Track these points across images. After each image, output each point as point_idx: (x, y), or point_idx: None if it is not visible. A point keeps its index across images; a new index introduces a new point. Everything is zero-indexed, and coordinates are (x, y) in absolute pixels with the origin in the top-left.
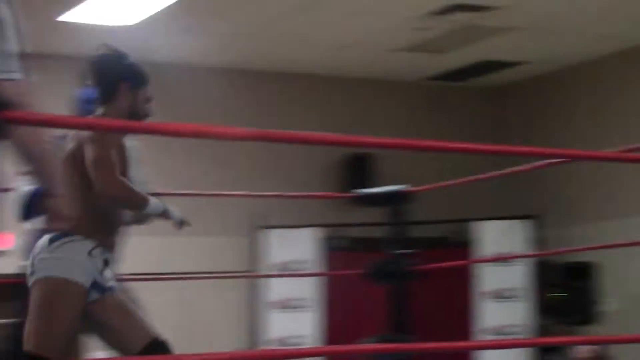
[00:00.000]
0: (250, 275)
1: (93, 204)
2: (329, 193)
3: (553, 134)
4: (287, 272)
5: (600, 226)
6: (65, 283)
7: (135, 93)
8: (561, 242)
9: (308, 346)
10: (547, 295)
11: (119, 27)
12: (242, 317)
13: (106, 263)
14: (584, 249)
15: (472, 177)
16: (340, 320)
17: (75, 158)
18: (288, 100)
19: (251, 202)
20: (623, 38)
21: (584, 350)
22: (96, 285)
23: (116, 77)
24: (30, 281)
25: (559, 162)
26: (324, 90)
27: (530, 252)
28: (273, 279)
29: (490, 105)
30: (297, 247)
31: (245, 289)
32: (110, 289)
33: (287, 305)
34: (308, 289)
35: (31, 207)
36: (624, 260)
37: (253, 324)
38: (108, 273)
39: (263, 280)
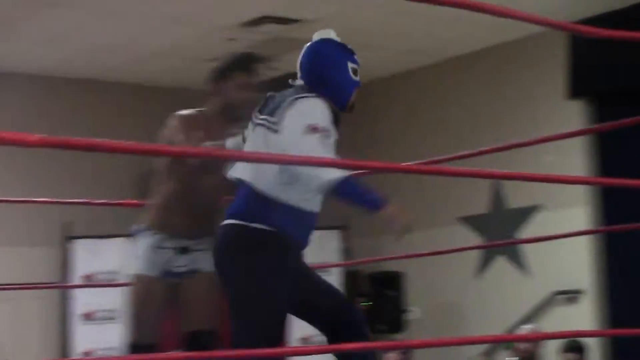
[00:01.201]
0: (53, 286)
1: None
2: (137, 201)
3: (360, 144)
4: (94, 282)
5: (407, 236)
6: (139, 278)
7: None
8: (370, 251)
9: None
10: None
11: None
12: (53, 329)
13: (182, 251)
14: (389, 259)
15: None
16: None
17: None
18: (98, 107)
19: (61, 212)
20: (428, 54)
21: (390, 357)
22: (169, 273)
23: None
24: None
25: (363, 173)
26: (136, 99)
27: (339, 262)
28: (81, 290)
29: None
30: (106, 257)
31: (56, 300)
32: (188, 273)
33: (95, 317)
34: (117, 301)
35: None
36: (429, 270)
37: (64, 336)
38: (182, 260)
39: (73, 291)
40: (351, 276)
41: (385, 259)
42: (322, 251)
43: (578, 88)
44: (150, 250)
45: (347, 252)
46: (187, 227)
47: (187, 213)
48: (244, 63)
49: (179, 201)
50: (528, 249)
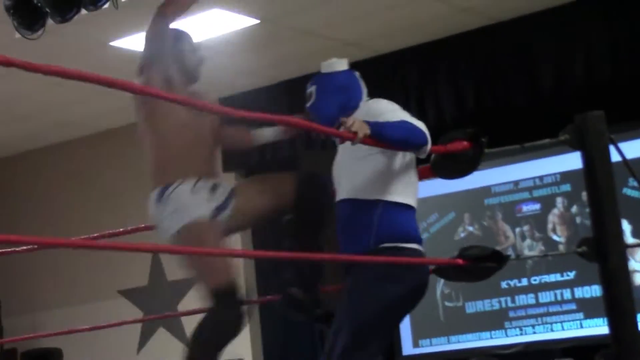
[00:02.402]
0: None
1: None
2: None
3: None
4: None
5: (67, 312)
6: (196, 224)
7: None
8: (25, 329)
9: None
10: None
11: None
12: None
13: (213, 188)
14: (43, 335)
15: None
16: None
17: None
18: None
19: None
20: (79, 125)
21: None
22: (219, 208)
23: None
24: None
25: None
26: None
27: None
28: None
29: None
30: None
31: None
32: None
33: None
34: None
35: None
36: (89, 346)
37: None
38: (219, 193)
39: None
40: (7, 355)
41: (41, 336)
42: None
43: (229, 162)
44: (192, 196)
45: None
46: (204, 169)
47: (197, 157)
48: None
49: (186, 149)
50: (187, 320)
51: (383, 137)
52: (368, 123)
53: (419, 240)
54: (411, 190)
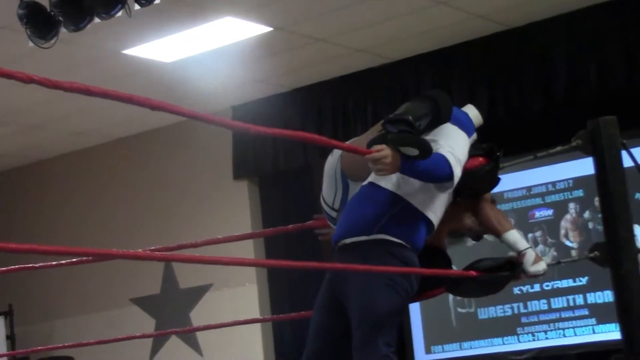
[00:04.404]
0: None
1: None
2: None
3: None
4: None
5: (80, 320)
6: None
7: None
8: (38, 337)
9: None
10: None
11: None
12: None
13: None
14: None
15: None
16: None
17: None
18: None
19: None
20: (90, 135)
21: None
22: None
23: None
24: None
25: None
26: None
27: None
28: None
29: None
30: None
31: None
32: None
33: None
34: None
35: None
36: (102, 354)
37: None
38: None
39: None
40: None
41: (55, 348)
42: None
43: (242, 169)
44: None
45: (12, 339)
46: None
47: None
48: None
49: None
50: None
51: (408, 173)
52: (402, 161)
53: (418, 249)
54: (438, 207)
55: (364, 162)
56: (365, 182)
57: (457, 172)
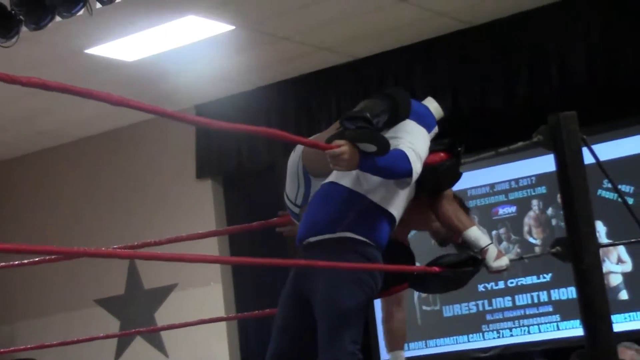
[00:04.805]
0: None
1: None
2: None
3: None
4: None
5: (44, 321)
6: None
7: None
8: (1, 339)
9: None
10: None
11: None
12: None
13: None
14: (19, 350)
15: None
16: None
17: None
18: None
19: None
20: (55, 135)
21: None
22: None
23: None
24: None
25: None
26: None
27: None
28: None
29: None
30: None
31: None
32: None
33: None
34: None
35: None
36: (65, 356)
37: None
38: None
39: None
40: None
41: (18, 350)
42: None
43: (205, 168)
44: None
45: None
46: None
47: None
48: None
49: None
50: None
51: (367, 170)
52: (360, 157)
53: (382, 247)
54: (399, 203)
55: (325, 159)
56: (326, 181)
57: (417, 168)
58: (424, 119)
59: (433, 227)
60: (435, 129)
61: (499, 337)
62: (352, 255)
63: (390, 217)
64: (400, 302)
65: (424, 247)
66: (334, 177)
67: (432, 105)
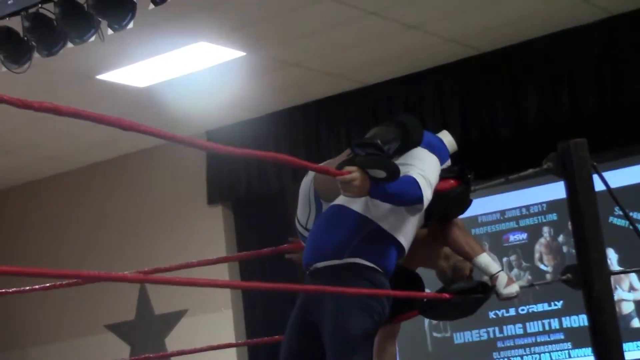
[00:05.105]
0: None
1: None
2: None
3: None
4: None
5: (56, 347)
6: None
7: None
8: None
9: None
10: None
11: None
12: None
13: None
14: None
15: None
16: None
17: None
18: None
19: None
20: (65, 160)
21: None
22: None
23: None
24: None
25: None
26: None
27: None
28: None
29: None
30: None
31: None
32: None
33: None
34: None
35: None
36: None
37: None
38: None
39: None
40: None
41: None
42: None
43: (216, 194)
44: None
45: None
46: None
47: None
48: None
49: None
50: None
51: (377, 197)
52: (371, 184)
53: (389, 273)
54: (409, 230)
55: (336, 183)
56: (335, 203)
57: (428, 195)
58: (437, 149)
59: (439, 266)
60: (448, 162)
61: None
62: (360, 282)
63: (399, 244)
64: (394, 336)
65: (432, 273)
66: (342, 200)
67: (446, 138)
